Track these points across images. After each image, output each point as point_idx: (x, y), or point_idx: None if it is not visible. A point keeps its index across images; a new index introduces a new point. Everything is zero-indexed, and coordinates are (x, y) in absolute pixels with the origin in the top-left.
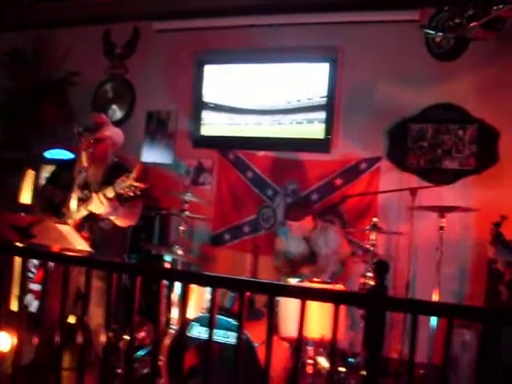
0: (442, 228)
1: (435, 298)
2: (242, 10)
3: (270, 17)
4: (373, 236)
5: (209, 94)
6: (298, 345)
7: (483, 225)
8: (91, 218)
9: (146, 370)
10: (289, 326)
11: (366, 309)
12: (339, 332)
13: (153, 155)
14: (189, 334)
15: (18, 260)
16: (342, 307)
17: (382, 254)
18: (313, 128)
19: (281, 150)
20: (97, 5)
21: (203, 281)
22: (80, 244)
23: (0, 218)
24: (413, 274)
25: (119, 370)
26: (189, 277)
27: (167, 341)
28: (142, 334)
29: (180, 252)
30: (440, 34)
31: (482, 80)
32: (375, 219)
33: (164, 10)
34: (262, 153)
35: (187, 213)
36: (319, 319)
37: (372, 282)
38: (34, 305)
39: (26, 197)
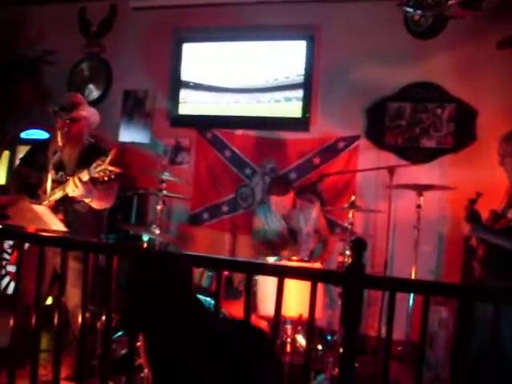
0: (419, 206)
1: (413, 275)
2: None
3: None
4: (351, 214)
5: (186, 73)
6: (276, 323)
7: (460, 203)
8: (66, 200)
9: (124, 351)
10: (267, 304)
11: (343, 286)
12: (317, 310)
13: (130, 135)
14: None
15: None
16: (320, 286)
17: (360, 233)
18: (291, 106)
19: (259, 128)
20: None
21: None
22: (56, 224)
23: None
24: (391, 252)
25: (98, 351)
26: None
27: None
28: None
29: (157, 232)
30: (418, 12)
31: (460, 58)
32: (353, 197)
33: None
34: (240, 132)
35: (164, 192)
36: (297, 298)
37: (350, 260)
38: (11, 287)
39: (0, 178)
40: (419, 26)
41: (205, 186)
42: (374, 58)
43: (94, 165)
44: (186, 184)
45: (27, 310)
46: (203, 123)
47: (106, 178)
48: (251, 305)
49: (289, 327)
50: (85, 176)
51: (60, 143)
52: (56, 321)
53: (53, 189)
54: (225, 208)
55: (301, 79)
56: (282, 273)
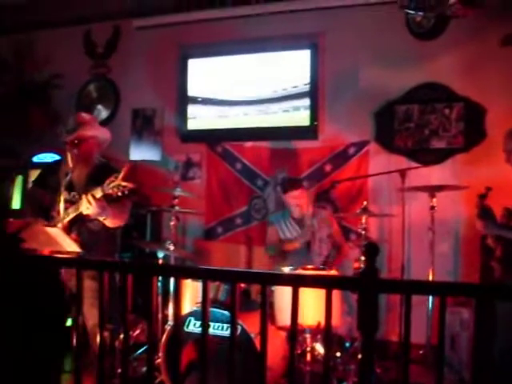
0: (432, 208)
1: (430, 278)
2: (221, 1)
3: (248, 7)
4: (364, 220)
5: (193, 88)
6: (293, 332)
7: (474, 202)
8: (79, 219)
9: (144, 369)
10: (285, 315)
11: (358, 292)
12: (335, 318)
13: (141, 153)
14: (186, 329)
15: None
16: (337, 293)
17: (375, 238)
18: (299, 115)
19: (268, 139)
20: (75, 6)
21: (194, 274)
22: (69, 245)
23: None
24: (407, 256)
25: (119, 370)
26: (179, 271)
27: (164, 337)
28: (136, 332)
29: (172, 248)
30: (420, 13)
31: (465, 57)
32: (365, 202)
33: (143, 7)
34: (249, 144)
35: (177, 208)
36: (315, 306)
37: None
38: None
39: (15, 202)
40: (421, 27)
41: (217, 199)
42: (378, 62)
43: (107, 181)
44: (198, 199)
45: None
46: (213, 137)
47: (119, 194)
48: (269, 316)
49: (308, 336)
50: (98, 193)
51: (70, 164)
52: (75, 341)
53: (66, 209)
54: (238, 221)
55: (307, 88)
56: (296, 282)
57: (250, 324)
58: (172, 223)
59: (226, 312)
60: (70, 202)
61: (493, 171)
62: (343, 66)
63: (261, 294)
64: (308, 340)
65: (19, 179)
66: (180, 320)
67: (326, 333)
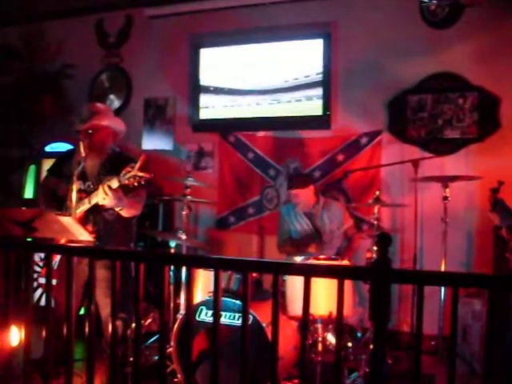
0: (446, 198)
1: (442, 269)
2: None
3: None
4: (376, 210)
5: (206, 78)
6: (304, 322)
7: (487, 193)
8: (95, 209)
9: (156, 357)
10: (296, 304)
11: (370, 282)
12: (346, 308)
13: (153, 142)
14: (197, 318)
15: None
16: (349, 283)
17: (387, 228)
18: (312, 105)
19: (281, 129)
20: None
21: (206, 264)
22: (83, 235)
23: (2, 213)
24: (420, 246)
25: (131, 359)
26: (191, 260)
27: (176, 326)
28: (148, 321)
29: (184, 237)
30: (434, 1)
31: (479, 46)
32: (377, 192)
33: None
34: (262, 133)
35: (189, 197)
36: (326, 296)
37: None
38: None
39: (28, 192)
40: (435, 16)
41: (230, 189)
42: (392, 52)
43: (124, 172)
44: (210, 188)
45: (61, 320)
46: (225, 127)
47: (136, 184)
48: (280, 306)
49: (319, 326)
50: (114, 183)
51: (83, 154)
52: (87, 330)
53: (80, 199)
54: (251, 210)
55: (320, 77)
56: (308, 272)
57: (262, 313)
58: (184, 213)
59: (237, 301)
60: (84, 192)
61: (507, 161)
62: (356, 56)
63: (273, 284)
64: (319, 330)
65: (32, 169)
66: (192, 309)
67: (337, 322)
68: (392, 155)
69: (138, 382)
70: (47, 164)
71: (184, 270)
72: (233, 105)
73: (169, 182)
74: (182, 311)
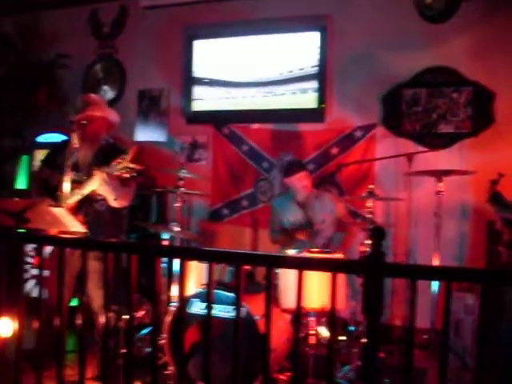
0: (439, 192)
1: (436, 263)
2: None
3: None
4: (370, 203)
5: (200, 69)
6: (297, 315)
7: (481, 187)
8: (86, 200)
9: (149, 349)
10: (289, 297)
11: (363, 275)
12: (339, 301)
13: (146, 134)
14: (190, 311)
15: None
16: (342, 276)
17: (381, 222)
18: (306, 98)
19: (275, 121)
20: None
21: (199, 256)
22: (75, 226)
23: None
24: (413, 241)
25: (123, 350)
26: (183, 252)
27: (168, 318)
28: (141, 313)
29: (177, 229)
30: None
31: (474, 41)
32: (371, 186)
33: None
34: (256, 125)
35: (182, 189)
36: (320, 290)
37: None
38: (36, 290)
39: (21, 182)
40: (432, 9)
41: (223, 181)
42: (387, 45)
43: (114, 163)
44: (204, 180)
45: (53, 312)
46: (219, 119)
47: (127, 176)
48: (273, 298)
49: (312, 319)
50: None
51: (76, 144)
52: (79, 321)
53: (72, 189)
54: (244, 203)
55: (315, 70)
56: (301, 265)
57: (255, 306)
58: (177, 205)
59: (230, 294)
60: (77, 183)
61: (500, 156)
62: (352, 49)
63: (265, 277)
64: (312, 323)
65: (24, 159)
66: (184, 301)
67: (330, 315)
68: (386, 149)
69: (130, 374)
70: (40, 155)
71: (177, 262)
72: (227, 97)
73: (162, 173)
74: (175, 303)
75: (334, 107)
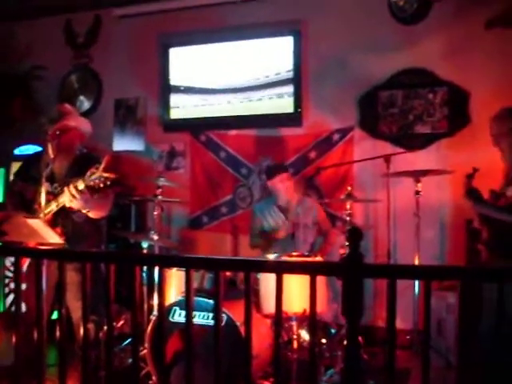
0: (418, 192)
1: (416, 263)
2: None
3: None
4: (348, 206)
5: (176, 77)
6: (277, 319)
7: (459, 186)
8: (63, 211)
9: (131, 360)
10: (270, 303)
11: (342, 277)
12: (320, 304)
13: (124, 143)
14: (171, 319)
15: None
16: (322, 279)
17: (360, 224)
18: (283, 103)
19: (252, 127)
20: None
21: (177, 263)
22: (52, 237)
23: None
24: (393, 242)
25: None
26: (161, 260)
27: (149, 327)
28: (121, 323)
29: (156, 237)
30: None
31: (448, 41)
32: (349, 188)
33: None
34: (233, 132)
35: (160, 197)
36: (300, 294)
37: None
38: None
39: None
40: (404, 11)
41: (202, 189)
42: (362, 48)
43: (89, 173)
44: (183, 188)
45: (32, 325)
46: (196, 126)
47: (101, 185)
48: (254, 304)
49: (294, 323)
50: (80, 185)
51: (51, 155)
52: (58, 334)
53: (48, 201)
54: (224, 209)
55: (290, 75)
56: (279, 268)
57: (237, 312)
58: (156, 213)
59: (210, 301)
60: (52, 194)
61: (477, 155)
62: (326, 53)
63: (244, 282)
64: (294, 327)
65: (0, 172)
66: (164, 310)
67: (310, 319)
68: (364, 151)
69: None
70: (16, 167)
71: (156, 270)
72: (204, 104)
73: (141, 182)
74: (156, 312)
75: (311, 111)
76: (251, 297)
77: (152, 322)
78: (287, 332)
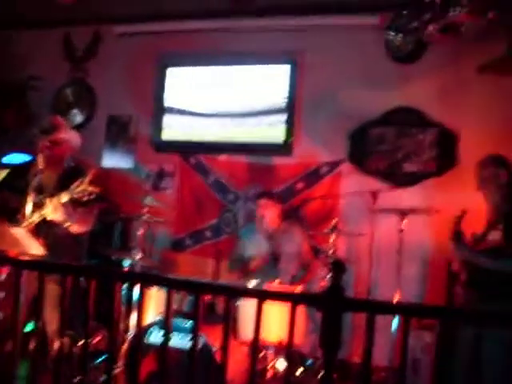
0: (401, 230)
1: (395, 300)
2: (204, 13)
3: (231, 20)
4: (332, 239)
5: (170, 98)
6: (254, 345)
7: (443, 226)
8: (46, 223)
9: (103, 378)
10: (248, 329)
11: (322, 309)
12: (298, 335)
13: (113, 160)
14: (147, 339)
15: None
16: (302, 310)
17: (343, 258)
18: (274, 131)
19: (242, 153)
20: (57, 8)
21: (158, 282)
22: (34, 248)
23: None
24: (374, 278)
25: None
26: (143, 278)
27: (125, 346)
28: (97, 339)
29: (138, 256)
30: (400, 36)
31: (441, 83)
32: (334, 221)
33: (125, 13)
34: (223, 157)
35: (145, 217)
36: (279, 323)
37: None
38: None
39: None
40: (400, 51)
41: (188, 211)
42: (356, 83)
43: (74, 185)
44: (169, 209)
45: (5, 335)
46: (187, 149)
47: (85, 199)
48: (232, 330)
49: (270, 352)
50: (64, 197)
51: (41, 166)
52: (32, 346)
53: (33, 212)
54: (208, 233)
55: (284, 104)
56: (260, 296)
57: (213, 337)
58: (139, 232)
59: (188, 323)
60: (37, 205)
61: (463, 197)
62: (321, 85)
63: (224, 306)
64: (270, 356)
65: None
66: (141, 328)
67: (287, 347)
68: (351, 185)
69: None
70: (1, 175)
71: (137, 289)
72: (196, 127)
73: (127, 200)
74: (132, 331)
75: (302, 141)
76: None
77: (128, 340)
78: (263, 361)
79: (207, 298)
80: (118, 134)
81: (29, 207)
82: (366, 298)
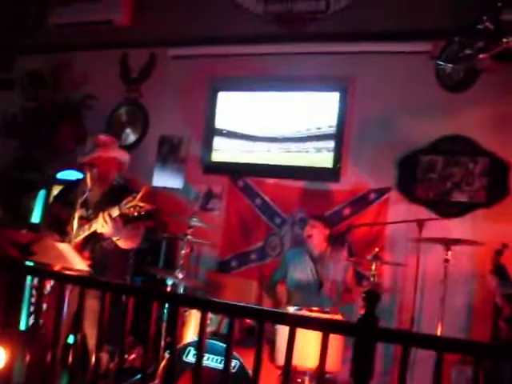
0: (447, 261)
1: (439, 333)
2: (256, 38)
3: (282, 45)
4: (374, 266)
5: (221, 121)
6: (286, 370)
7: (489, 259)
8: (93, 237)
9: None
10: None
11: (355, 338)
12: (335, 363)
13: (163, 179)
14: (184, 359)
15: None
16: (340, 338)
17: (387, 286)
18: (322, 157)
19: (290, 178)
20: (115, 31)
21: (193, 304)
22: (78, 263)
23: (2, 234)
24: (419, 308)
25: None
26: (178, 299)
27: (162, 364)
28: (132, 356)
29: (181, 276)
30: (450, 65)
31: (492, 111)
32: (376, 249)
33: (179, 37)
34: (271, 180)
35: (189, 237)
36: (316, 349)
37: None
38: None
39: (35, 216)
40: (451, 79)
41: (235, 233)
42: (406, 111)
43: (125, 201)
44: (215, 230)
45: (47, 347)
46: (235, 171)
47: (135, 214)
48: (269, 354)
49: (306, 378)
50: (115, 212)
51: (88, 184)
52: (71, 359)
53: (80, 226)
54: (253, 256)
55: (332, 130)
56: (292, 322)
57: (251, 361)
58: (184, 252)
59: (224, 345)
60: (85, 220)
61: None
62: (371, 111)
63: (257, 330)
64: (306, 383)
65: (41, 194)
66: (177, 349)
67: (318, 376)
68: (398, 213)
69: None
70: (57, 190)
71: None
72: (244, 150)
73: (175, 220)
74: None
75: (350, 168)
76: (267, 347)
77: (166, 359)
78: None
79: (247, 321)
80: (169, 154)
81: (76, 221)
82: (409, 328)
